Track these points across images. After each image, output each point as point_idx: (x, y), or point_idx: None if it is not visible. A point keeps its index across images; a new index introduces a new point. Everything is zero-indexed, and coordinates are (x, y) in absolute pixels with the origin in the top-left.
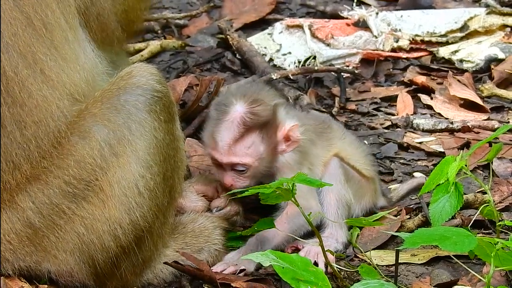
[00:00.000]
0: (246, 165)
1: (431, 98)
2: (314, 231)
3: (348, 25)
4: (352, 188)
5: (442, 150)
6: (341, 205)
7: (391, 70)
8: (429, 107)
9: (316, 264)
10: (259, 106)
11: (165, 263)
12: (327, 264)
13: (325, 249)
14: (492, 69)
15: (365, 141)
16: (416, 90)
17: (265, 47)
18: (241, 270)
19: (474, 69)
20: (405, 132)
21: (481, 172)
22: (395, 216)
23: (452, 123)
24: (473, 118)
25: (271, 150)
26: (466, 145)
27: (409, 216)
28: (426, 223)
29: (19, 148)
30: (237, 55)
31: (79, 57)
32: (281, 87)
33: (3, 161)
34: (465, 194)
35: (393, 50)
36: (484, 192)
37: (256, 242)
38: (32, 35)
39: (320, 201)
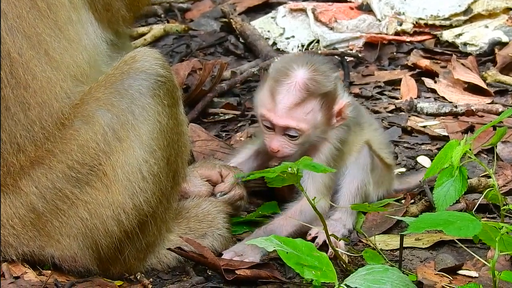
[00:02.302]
0: (301, 131)
1: (435, 82)
2: (319, 216)
3: (351, 8)
4: (374, 178)
5: (446, 134)
6: (359, 194)
7: (394, 53)
8: (433, 91)
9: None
10: (321, 75)
11: (169, 249)
12: (330, 247)
13: (333, 234)
14: (496, 53)
15: None
16: (419, 74)
17: (268, 31)
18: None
19: (478, 52)
20: (409, 116)
21: (485, 156)
22: (399, 201)
23: (456, 106)
24: (477, 101)
25: (326, 121)
26: (470, 129)
27: (413, 201)
28: (429, 207)
29: (23, 129)
30: (240, 39)
31: (82, 38)
32: None
33: (7, 143)
34: (469, 178)
35: (397, 33)
36: (488, 176)
37: (263, 234)
38: (37, 16)
39: (341, 185)
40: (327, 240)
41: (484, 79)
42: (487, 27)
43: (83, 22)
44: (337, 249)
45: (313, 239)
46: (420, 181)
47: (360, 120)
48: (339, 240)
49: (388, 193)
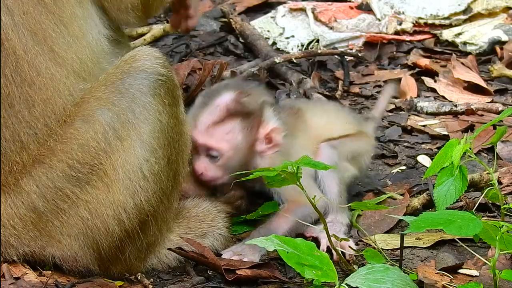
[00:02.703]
0: (220, 151)
1: (435, 81)
2: (319, 216)
3: (351, 8)
4: (352, 161)
5: (446, 133)
6: (343, 189)
7: (394, 53)
8: (433, 90)
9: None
10: (246, 97)
11: (169, 249)
12: (332, 248)
13: (334, 234)
14: (501, 49)
15: None
16: (419, 73)
17: (268, 31)
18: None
19: (477, 51)
20: (409, 115)
21: (485, 155)
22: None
23: (456, 106)
24: (477, 100)
25: (249, 144)
26: (470, 128)
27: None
28: (431, 201)
29: (27, 127)
30: (240, 38)
31: (86, 34)
32: (284, 70)
33: (11, 141)
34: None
35: (397, 33)
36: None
37: (259, 236)
38: (42, 12)
39: (323, 187)
40: (328, 243)
41: (490, 73)
42: (486, 25)
43: (87, 17)
44: (340, 249)
45: (313, 239)
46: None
47: (301, 118)
48: (340, 241)
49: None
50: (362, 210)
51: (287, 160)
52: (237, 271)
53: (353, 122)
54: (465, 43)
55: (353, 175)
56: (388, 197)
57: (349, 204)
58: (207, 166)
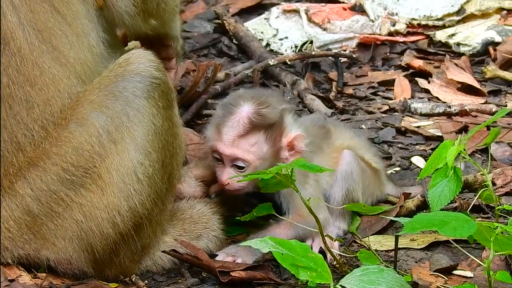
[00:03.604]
0: (247, 162)
1: (429, 82)
2: (314, 218)
3: (344, 9)
4: (363, 183)
5: (440, 134)
6: (347, 201)
7: (388, 54)
8: (427, 91)
9: (322, 252)
10: (266, 108)
11: (164, 251)
12: (326, 250)
13: (328, 235)
14: (494, 49)
15: (363, 126)
16: (413, 74)
17: (261, 32)
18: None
19: (471, 52)
20: (403, 116)
21: (479, 156)
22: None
23: (449, 107)
24: (470, 101)
25: (273, 154)
26: (464, 129)
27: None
28: (425, 203)
29: (25, 128)
30: (233, 40)
31: (88, 34)
32: (278, 72)
33: (8, 142)
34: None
35: (390, 34)
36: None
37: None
38: (48, 10)
39: (329, 194)
40: (322, 245)
41: (484, 74)
42: (479, 26)
43: (89, 16)
44: (332, 250)
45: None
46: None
47: (328, 140)
48: (334, 241)
49: (379, 198)
50: (360, 217)
51: (307, 176)
52: (231, 273)
53: (377, 160)
54: (458, 44)
55: (358, 197)
56: (386, 201)
57: (344, 206)
58: (228, 176)
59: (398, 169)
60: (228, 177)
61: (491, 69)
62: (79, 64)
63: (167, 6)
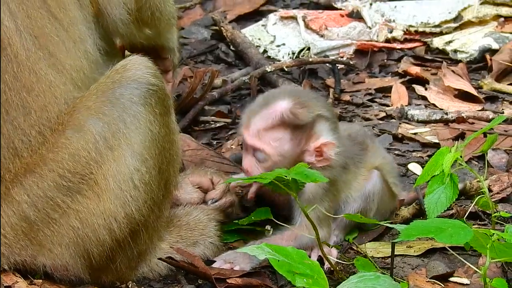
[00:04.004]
0: (266, 155)
1: (426, 89)
2: (312, 226)
3: (342, 16)
4: (379, 205)
5: (436, 141)
6: (366, 205)
7: (385, 61)
8: (424, 98)
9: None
10: (302, 109)
11: (160, 258)
12: (323, 257)
13: (325, 242)
14: (490, 59)
15: None
16: (410, 81)
17: (259, 39)
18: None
19: (468, 59)
20: (400, 123)
21: (476, 163)
22: None
23: (446, 113)
24: (467, 108)
25: (296, 154)
26: (461, 136)
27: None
28: (420, 211)
29: (21, 134)
30: (231, 46)
31: (85, 41)
32: (276, 78)
33: (5, 148)
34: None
35: (387, 40)
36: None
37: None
38: (45, 15)
39: (344, 207)
40: (320, 253)
41: (480, 88)
42: (476, 33)
43: (86, 22)
44: (329, 256)
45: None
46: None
47: (362, 157)
48: (331, 248)
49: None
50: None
51: (331, 185)
52: (227, 280)
53: (397, 186)
54: (455, 51)
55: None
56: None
57: (342, 215)
58: (253, 165)
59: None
60: (249, 164)
61: (488, 82)
62: (76, 71)
63: (162, 15)
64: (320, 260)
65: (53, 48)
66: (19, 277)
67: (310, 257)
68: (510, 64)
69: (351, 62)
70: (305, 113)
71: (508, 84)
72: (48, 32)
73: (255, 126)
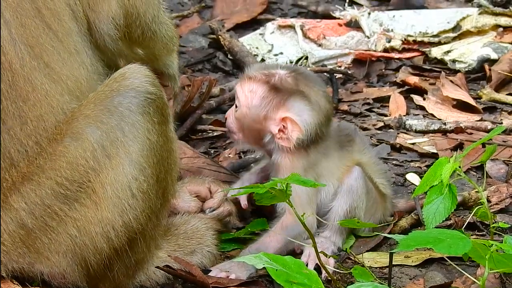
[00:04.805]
0: (239, 102)
1: (424, 99)
2: (308, 233)
3: (340, 25)
4: (367, 203)
5: (435, 151)
6: (349, 217)
7: (383, 70)
8: (422, 108)
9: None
10: (289, 78)
11: (157, 267)
12: (321, 266)
13: (323, 251)
14: (489, 69)
15: None
16: (408, 91)
17: (256, 47)
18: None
19: (466, 69)
20: (398, 133)
21: (475, 173)
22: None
23: (445, 124)
24: (466, 119)
25: (262, 116)
26: (459, 146)
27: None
28: (419, 221)
29: (18, 144)
30: (228, 55)
31: (81, 52)
32: None
33: (1, 157)
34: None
35: (386, 50)
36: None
37: (249, 254)
38: (40, 25)
39: (331, 207)
40: (317, 259)
41: (479, 98)
42: (475, 43)
43: (82, 34)
44: (326, 266)
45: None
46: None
47: (348, 148)
48: (328, 257)
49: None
50: (356, 239)
51: (310, 167)
52: None
53: (386, 187)
54: (454, 61)
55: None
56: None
57: (338, 222)
58: (230, 113)
59: (392, 185)
60: (230, 110)
61: (487, 92)
62: (72, 81)
63: (156, 36)
64: (318, 270)
65: (48, 58)
66: (17, 284)
67: (307, 266)
68: (509, 74)
69: (349, 72)
70: (290, 81)
71: (507, 94)
72: (42, 42)
73: (244, 77)
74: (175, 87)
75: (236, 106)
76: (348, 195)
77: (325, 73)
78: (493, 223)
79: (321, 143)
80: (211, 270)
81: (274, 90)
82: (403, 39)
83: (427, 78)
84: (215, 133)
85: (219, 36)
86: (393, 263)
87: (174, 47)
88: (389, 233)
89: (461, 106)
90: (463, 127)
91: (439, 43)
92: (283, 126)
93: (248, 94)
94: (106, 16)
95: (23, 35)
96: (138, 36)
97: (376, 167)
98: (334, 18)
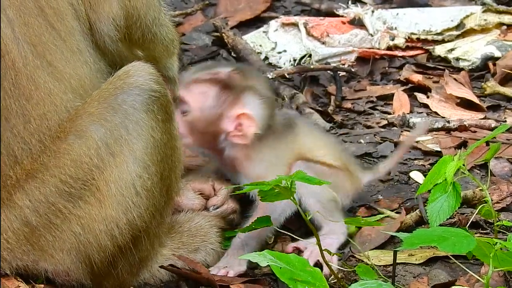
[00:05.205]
0: (189, 106)
1: (428, 97)
2: (312, 230)
3: (343, 23)
4: (330, 185)
5: (438, 149)
6: (326, 203)
7: (387, 68)
8: (426, 106)
9: (320, 265)
10: (237, 75)
11: (161, 266)
12: (324, 263)
13: (326, 249)
14: (494, 65)
15: (361, 140)
16: (412, 89)
17: (260, 45)
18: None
19: (470, 67)
20: (402, 131)
21: (478, 171)
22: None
23: (448, 122)
24: (469, 117)
25: (217, 116)
26: (463, 144)
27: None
28: (423, 218)
29: (21, 142)
30: (232, 53)
31: (84, 51)
32: (277, 85)
33: (5, 155)
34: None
35: (389, 48)
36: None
37: (240, 242)
38: (43, 23)
39: (304, 209)
40: (319, 256)
41: (483, 90)
42: (479, 41)
43: (85, 33)
44: (330, 263)
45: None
46: (416, 197)
47: (293, 130)
48: (332, 255)
49: (361, 191)
50: (359, 228)
51: (257, 163)
52: (231, 286)
53: (341, 158)
54: (457, 59)
55: (332, 196)
56: (386, 216)
57: (343, 220)
58: (177, 119)
59: (396, 183)
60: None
61: (491, 85)
62: (75, 80)
63: (156, 38)
64: (320, 267)
65: (51, 57)
66: (21, 281)
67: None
68: None
69: (352, 70)
70: (239, 77)
71: None
72: (45, 40)
73: (186, 80)
74: (175, 90)
75: (182, 112)
76: (309, 191)
77: (328, 71)
78: (497, 221)
79: (271, 133)
80: (211, 271)
81: (225, 88)
82: (407, 37)
83: (431, 76)
84: None
85: (223, 34)
86: (397, 261)
87: (174, 50)
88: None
89: (465, 104)
90: (466, 125)
91: (442, 41)
92: (239, 123)
93: (199, 96)
94: (106, 17)
95: (26, 34)
96: (138, 38)
97: (322, 143)
98: (338, 16)
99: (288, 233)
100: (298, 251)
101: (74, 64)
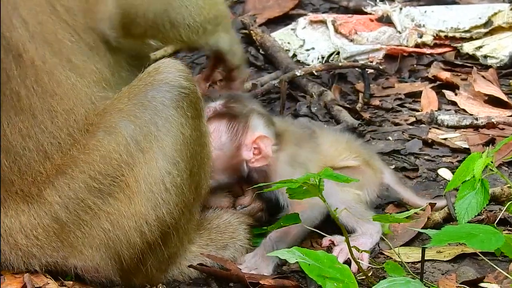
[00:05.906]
0: None
1: (456, 94)
2: (341, 228)
3: (371, 20)
4: (351, 186)
5: (466, 146)
6: (356, 207)
7: (415, 65)
8: (454, 103)
9: (349, 263)
10: (234, 103)
11: (190, 266)
12: (353, 260)
13: (360, 249)
14: None
15: (390, 137)
16: (440, 86)
17: (288, 43)
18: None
19: (498, 65)
20: (430, 128)
21: (506, 168)
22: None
23: (476, 119)
24: (497, 114)
25: (235, 149)
26: (491, 141)
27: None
28: (450, 215)
29: (50, 137)
30: (260, 50)
31: (100, 44)
32: (305, 82)
33: (34, 151)
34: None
35: (417, 45)
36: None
37: (270, 243)
38: (56, 21)
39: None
40: (349, 254)
41: (511, 91)
42: (506, 39)
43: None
44: (359, 261)
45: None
46: (443, 195)
47: (315, 139)
48: (361, 252)
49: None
50: (388, 226)
51: (294, 160)
52: (260, 281)
53: (361, 154)
54: (485, 56)
55: (356, 196)
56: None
57: (370, 217)
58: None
59: (424, 180)
60: None
61: None
62: (98, 73)
63: (173, 26)
64: (349, 264)
65: (68, 53)
66: (50, 278)
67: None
68: None
69: (380, 67)
70: (238, 106)
71: None
72: (60, 38)
73: None
74: (234, 60)
75: None
76: (336, 198)
77: (356, 68)
78: None
79: (296, 148)
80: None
81: (232, 119)
82: (435, 35)
83: (459, 74)
84: None
85: (251, 31)
86: (425, 258)
87: (217, 27)
88: (421, 227)
89: (493, 101)
90: (494, 122)
91: (470, 39)
92: (255, 147)
93: (212, 135)
94: (102, 17)
95: (41, 32)
96: (141, 34)
97: (340, 146)
98: (366, 13)
99: (320, 232)
100: (332, 246)
101: (93, 59)
